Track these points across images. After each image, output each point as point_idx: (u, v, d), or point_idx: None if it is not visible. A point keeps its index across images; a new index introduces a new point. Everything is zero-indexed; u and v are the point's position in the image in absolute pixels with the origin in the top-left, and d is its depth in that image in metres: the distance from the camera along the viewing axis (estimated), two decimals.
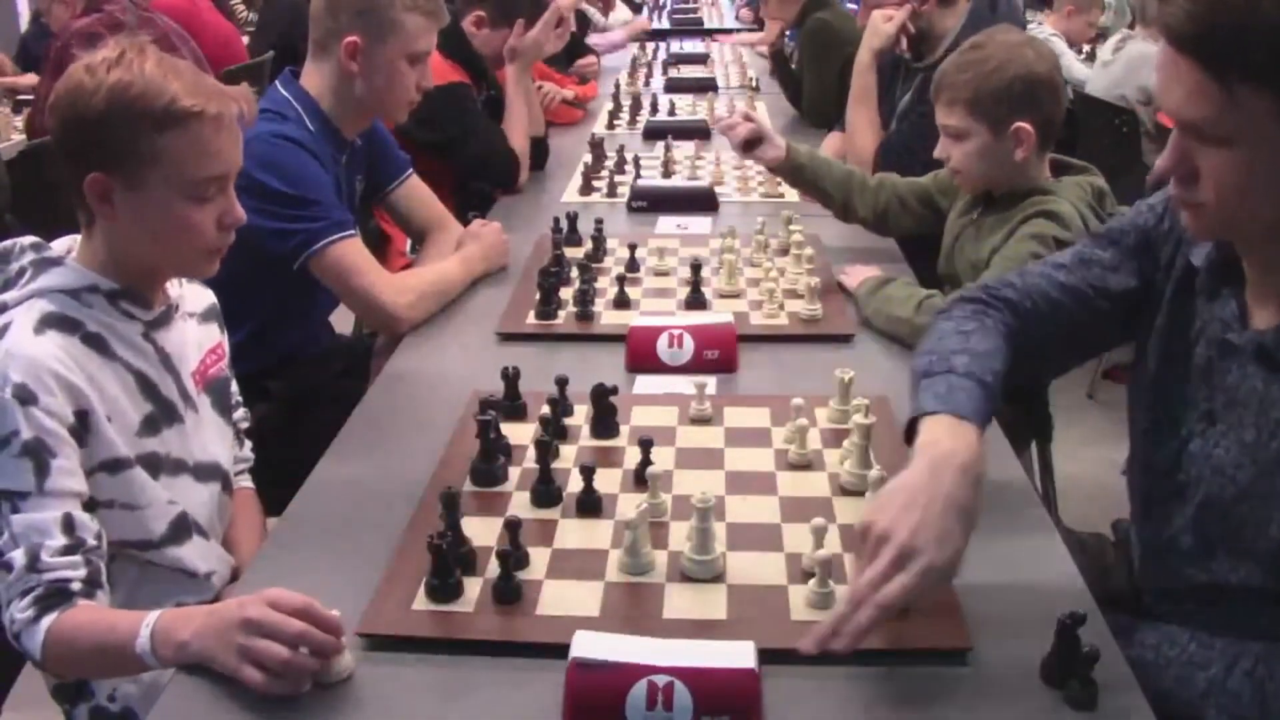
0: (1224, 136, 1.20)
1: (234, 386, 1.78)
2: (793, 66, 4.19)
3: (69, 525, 1.38)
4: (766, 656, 1.21)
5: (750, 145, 2.49)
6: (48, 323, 1.45)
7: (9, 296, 1.48)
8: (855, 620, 1.16)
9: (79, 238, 1.57)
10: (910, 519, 1.20)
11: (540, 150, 3.41)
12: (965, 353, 1.41)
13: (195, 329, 1.67)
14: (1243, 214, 1.26)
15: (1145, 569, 1.46)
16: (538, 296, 2.24)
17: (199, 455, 1.63)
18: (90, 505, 1.43)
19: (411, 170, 2.61)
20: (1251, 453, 1.33)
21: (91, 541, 1.40)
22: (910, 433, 1.36)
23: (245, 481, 1.82)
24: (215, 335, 1.73)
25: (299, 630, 1.20)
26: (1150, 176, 1.32)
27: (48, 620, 1.34)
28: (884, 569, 1.18)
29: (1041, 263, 1.60)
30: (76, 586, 1.37)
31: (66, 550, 1.37)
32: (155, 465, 1.55)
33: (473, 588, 1.37)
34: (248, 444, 1.84)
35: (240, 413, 1.81)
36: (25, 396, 1.39)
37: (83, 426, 1.44)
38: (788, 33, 4.22)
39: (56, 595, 1.35)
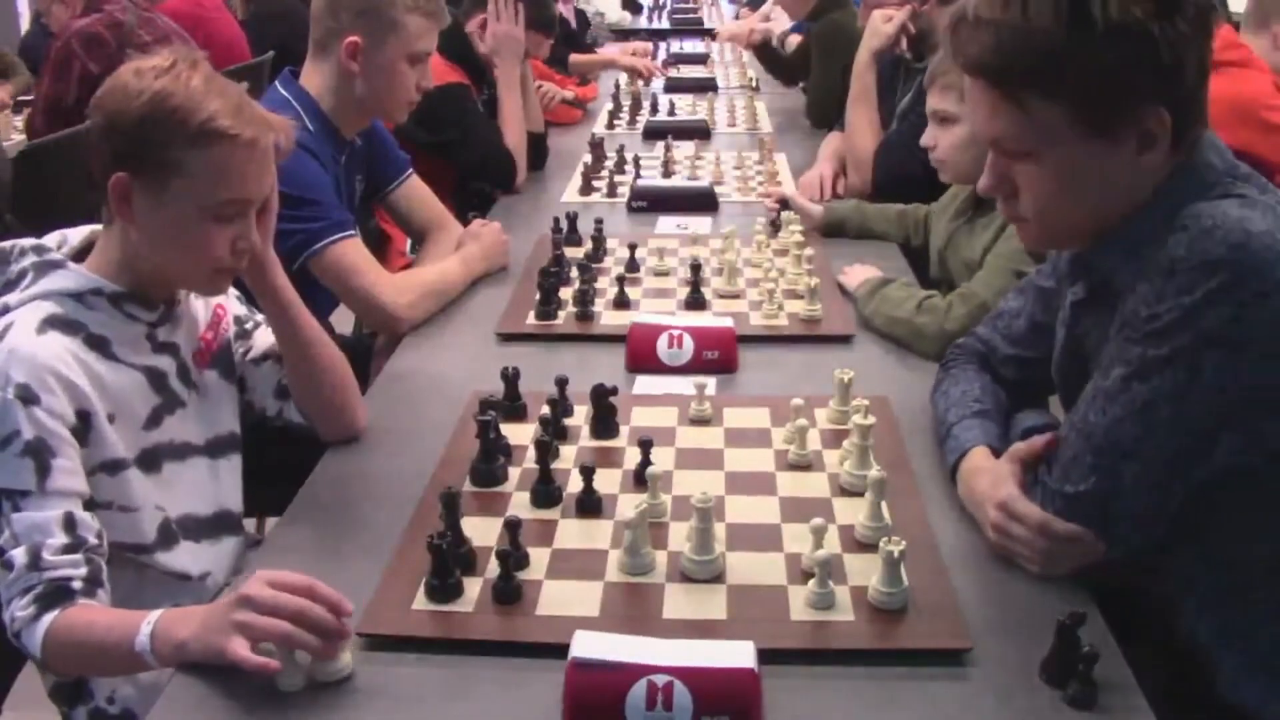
0: (1028, 150, 1.32)
1: (231, 335, 1.73)
2: (783, 55, 4.20)
3: (70, 524, 1.39)
4: (766, 656, 1.21)
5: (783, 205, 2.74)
6: (50, 324, 1.46)
7: (11, 298, 1.49)
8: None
9: (69, 232, 1.58)
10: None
11: (540, 150, 3.41)
12: (950, 407, 1.63)
13: (199, 308, 1.67)
14: (1061, 221, 1.38)
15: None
16: (538, 296, 2.24)
17: (209, 432, 1.65)
18: (89, 505, 1.43)
19: (411, 170, 2.61)
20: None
21: (93, 540, 1.40)
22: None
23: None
24: (215, 298, 1.71)
25: (299, 607, 1.20)
26: (979, 191, 1.45)
27: (48, 618, 1.34)
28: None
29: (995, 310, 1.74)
30: (78, 585, 1.37)
31: (68, 549, 1.37)
32: (164, 455, 1.56)
33: (473, 588, 1.37)
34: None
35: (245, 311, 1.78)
36: (27, 396, 1.39)
37: (84, 426, 1.45)
38: (788, 25, 4.23)
39: (57, 594, 1.36)
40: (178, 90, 1.45)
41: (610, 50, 4.87)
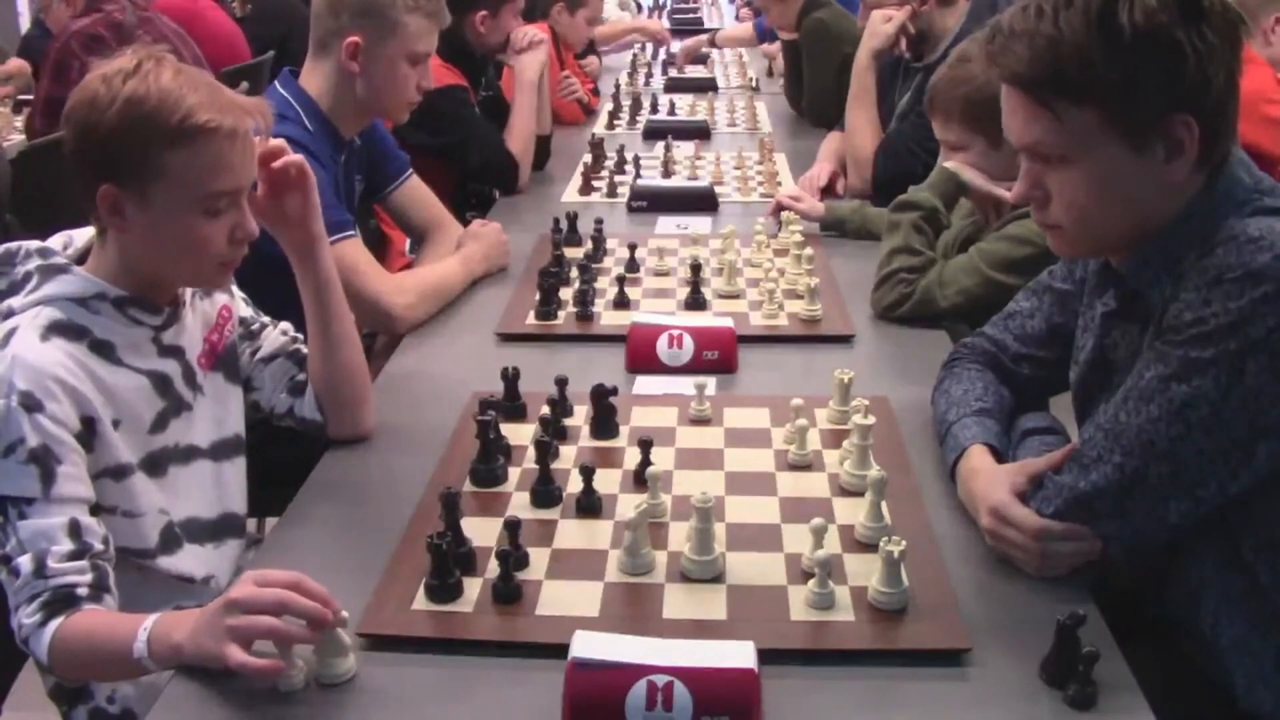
0: (1062, 155, 1.34)
1: (235, 337, 1.73)
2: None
3: (75, 531, 1.38)
4: (766, 656, 1.21)
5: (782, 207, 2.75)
6: (54, 330, 1.45)
7: (15, 303, 1.48)
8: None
9: (74, 233, 1.57)
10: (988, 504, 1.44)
11: (542, 150, 3.41)
12: (951, 406, 1.64)
13: (203, 309, 1.67)
14: (1095, 226, 1.38)
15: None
16: (538, 297, 2.24)
17: (214, 435, 1.64)
18: (94, 511, 1.43)
19: (411, 170, 2.61)
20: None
21: (98, 546, 1.40)
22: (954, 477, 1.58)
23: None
24: (220, 300, 1.71)
25: (280, 599, 1.21)
26: (1011, 200, 1.45)
27: (54, 625, 1.34)
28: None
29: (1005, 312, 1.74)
30: (83, 591, 1.36)
31: (73, 555, 1.37)
32: (169, 459, 1.56)
33: (472, 588, 1.37)
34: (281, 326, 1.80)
35: (258, 322, 1.78)
36: (31, 404, 1.39)
37: (89, 432, 1.44)
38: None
39: (63, 600, 1.35)
40: (150, 91, 1.42)
41: (628, 21, 4.95)
